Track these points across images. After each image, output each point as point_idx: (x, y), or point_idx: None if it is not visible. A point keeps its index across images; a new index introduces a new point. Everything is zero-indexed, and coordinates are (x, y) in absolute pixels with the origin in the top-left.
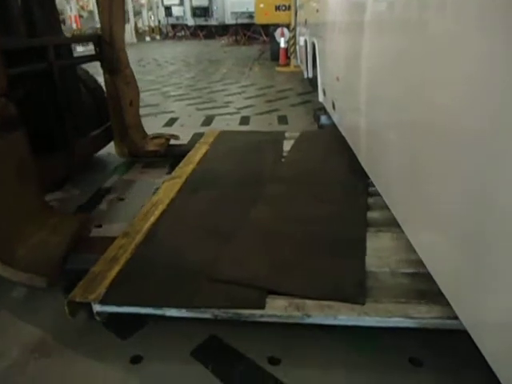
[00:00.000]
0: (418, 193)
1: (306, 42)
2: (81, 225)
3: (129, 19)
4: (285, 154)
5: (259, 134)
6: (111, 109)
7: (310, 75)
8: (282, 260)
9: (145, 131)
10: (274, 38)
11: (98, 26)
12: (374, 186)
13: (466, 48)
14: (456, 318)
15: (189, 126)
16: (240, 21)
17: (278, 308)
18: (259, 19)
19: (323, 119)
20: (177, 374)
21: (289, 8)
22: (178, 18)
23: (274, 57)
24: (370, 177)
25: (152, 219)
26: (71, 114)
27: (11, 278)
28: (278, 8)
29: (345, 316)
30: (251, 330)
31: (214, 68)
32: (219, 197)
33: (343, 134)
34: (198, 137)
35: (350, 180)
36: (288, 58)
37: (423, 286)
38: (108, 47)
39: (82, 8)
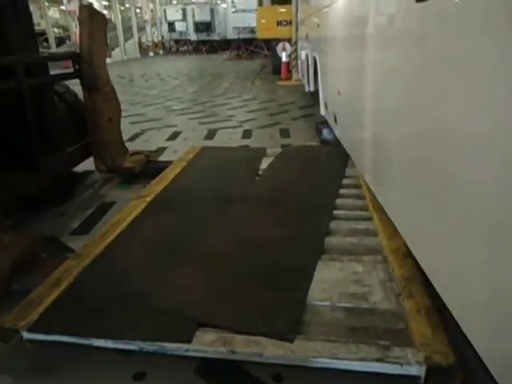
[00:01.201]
0: (429, 212)
1: (307, 56)
2: (32, 243)
3: (133, 35)
4: (260, 173)
5: (240, 150)
6: (90, 125)
7: (312, 89)
8: (222, 289)
9: (125, 147)
10: (275, 52)
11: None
12: (340, 208)
13: (469, 61)
14: (381, 360)
15: (192, 140)
16: (242, 36)
17: (205, 343)
18: (261, 34)
19: (325, 133)
20: None
21: (290, 23)
22: (180, 33)
23: (276, 71)
24: (376, 194)
25: (108, 241)
26: (41, 131)
27: None
28: (279, 23)
29: (271, 354)
30: None
31: (216, 82)
32: (181, 218)
33: (345, 147)
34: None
35: (317, 201)
36: (289, 72)
37: (358, 323)
38: (86, 65)
39: None
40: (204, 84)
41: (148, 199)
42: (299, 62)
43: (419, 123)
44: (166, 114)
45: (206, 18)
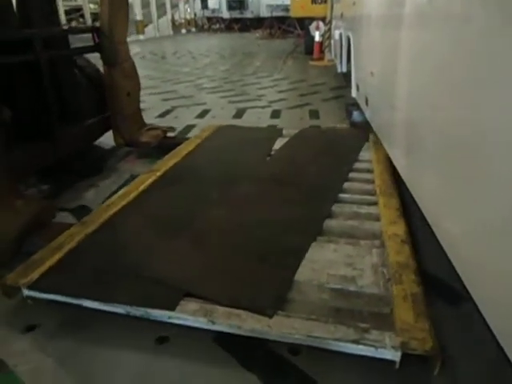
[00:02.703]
0: (463, 198)
1: (341, 35)
2: (42, 210)
3: (166, 12)
4: (273, 153)
5: (257, 130)
6: (109, 99)
7: (344, 70)
8: (212, 263)
9: (144, 122)
10: (309, 31)
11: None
12: (347, 192)
13: None
14: (356, 341)
15: (220, 118)
16: (275, 14)
17: (187, 311)
18: (295, 12)
19: (355, 115)
20: (201, 357)
21: (325, 1)
22: (213, 10)
23: (308, 51)
24: (404, 178)
25: (113, 210)
26: (60, 103)
27: None
28: (314, 1)
29: (249, 327)
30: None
31: (247, 61)
32: (187, 194)
33: (375, 130)
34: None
35: (323, 184)
36: (322, 52)
37: (343, 305)
38: (106, 40)
39: None
40: (235, 63)
41: (158, 173)
42: (332, 41)
43: (455, 106)
44: (197, 91)
45: None
